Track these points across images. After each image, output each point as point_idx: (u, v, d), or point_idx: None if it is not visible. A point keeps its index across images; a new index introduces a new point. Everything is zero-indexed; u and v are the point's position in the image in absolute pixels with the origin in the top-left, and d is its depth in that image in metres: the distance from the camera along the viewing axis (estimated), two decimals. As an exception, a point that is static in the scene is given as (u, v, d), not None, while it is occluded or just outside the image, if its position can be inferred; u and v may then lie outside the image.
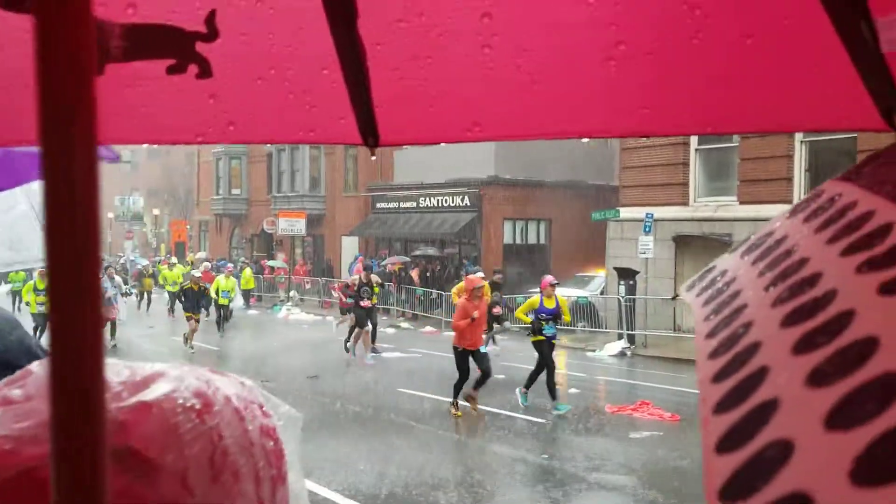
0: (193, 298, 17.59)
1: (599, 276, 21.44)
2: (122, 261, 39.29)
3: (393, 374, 13.32)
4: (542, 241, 27.68)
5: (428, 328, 21.37)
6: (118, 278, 17.68)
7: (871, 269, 0.33)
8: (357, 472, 8.09)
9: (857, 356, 0.28)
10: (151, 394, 0.61)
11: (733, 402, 0.32)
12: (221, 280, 20.50)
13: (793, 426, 0.28)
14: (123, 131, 1.22)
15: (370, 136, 1.28)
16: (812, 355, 0.30)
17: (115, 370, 0.63)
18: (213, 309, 20.07)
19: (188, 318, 17.65)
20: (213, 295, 19.15)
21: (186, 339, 17.39)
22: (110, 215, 57.34)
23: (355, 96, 1.22)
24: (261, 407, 0.69)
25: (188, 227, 44.78)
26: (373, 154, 1.31)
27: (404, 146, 1.37)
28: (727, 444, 0.30)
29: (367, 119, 1.26)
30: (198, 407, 0.62)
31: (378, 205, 30.41)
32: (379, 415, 10.62)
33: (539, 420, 10.35)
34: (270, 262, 31.75)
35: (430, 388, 12.46)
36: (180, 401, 0.62)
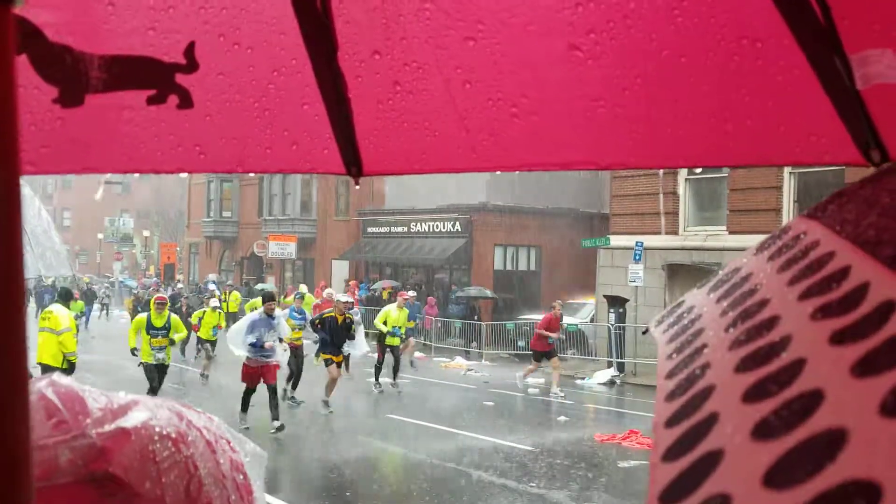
0: (338, 334, 12.82)
1: (589, 303, 21.46)
2: (111, 280, 39.08)
3: (383, 399, 13.22)
4: (533, 267, 27.72)
5: (418, 354, 21.29)
6: (279, 315, 11.97)
7: (825, 317, 0.32)
8: (344, 499, 8.00)
9: (802, 410, 0.28)
10: (129, 421, 0.61)
11: (682, 450, 0.31)
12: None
13: (733, 481, 0.28)
14: (103, 160, 1.22)
15: (353, 165, 1.28)
16: (761, 405, 0.30)
17: (93, 396, 0.63)
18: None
19: (328, 363, 12.79)
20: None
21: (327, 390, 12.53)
22: (100, 236, 57.17)
23: (338, 127, 1.22)
24: (229, 442, 0.70)
25: (178, 249, 44.64)
26: (357, 183, 1.31)
27: (392, 174, 1.37)
28: (670, 495, 0.30)
29: (351, 149, 1.26)
30: (174, 436, 0.63)
31: (369, 229, 30.43)
32: (366, 441, 10.52)
33: (527, 448, 10.28)
34: (260, 286, 31.65)
35: (421, 415, 12.38)
36: (157, 429, 0.62)
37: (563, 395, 13.99)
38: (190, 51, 1.07)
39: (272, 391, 10.91)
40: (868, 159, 1.22)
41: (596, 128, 1.25)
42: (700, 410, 0.33)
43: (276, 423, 10.61)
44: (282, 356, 11.81)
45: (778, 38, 1.09)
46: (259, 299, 26.00)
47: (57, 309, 10.05)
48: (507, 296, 25.21)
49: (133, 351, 12.30)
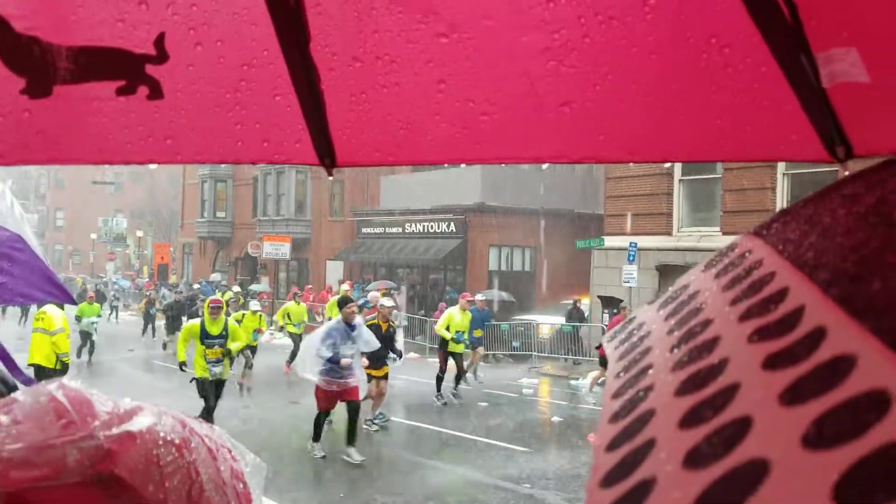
0: (383, 344, 10.48)
1: (584, 303, 21.48)
2: (104, 280, 38.93)
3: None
4: (528, 268, 27.73)
5: (412, 354, 21.26)
6: (360, 323, 9.76)
7: (760, 339, 0.32)
8: (337, 499, 7.99)
9: (731, 438, 0.27)
10: (135, 425, 0.63)
11: (619, 477, 0.31)
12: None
13: None
14: (72, 151, 1.22)
15: (327, 156, 1.28)
16: (694, 431, 0.29)
17: (100, 400, 0.65)
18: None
19: (371, 378, 10.80)
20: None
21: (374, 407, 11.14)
22: (93, 236, 57.01)
23: (310, 119, 1.22)
24: (230, 451, 0.71)
25: (171, 249, 44.54)
26: (330, 174, 1.31)
27: (366, 166, 1.37)
28: None
29: (324, 140, 1.26)
30: (177, 442, 0.64)
31: (364, 230, 30.41)
32: (360, 443, 10.50)
33: (520, 448, 10.28)
34: (253, 287, 31.58)
35: (414, 416, 12.37)
36: (162, 434, 0.64)
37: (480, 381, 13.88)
38: (160, 41, 1.06)
39: (354, 411, 9.32)
40: (833, 155, 1.23)
41: (567, 122, 1.26)
42: (639, 435, 0.32)
43: (354, 455, 9.18)
44: (361, 374, 9.84)
45: (746, 36, 1.10)
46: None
47: (51, 310, 10.03)
48: (501, 296, 25.23)
49: (182, 366, 10.54)
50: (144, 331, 25.04)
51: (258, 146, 1.26)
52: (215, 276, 32.97)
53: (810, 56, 1.07)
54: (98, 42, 1.04)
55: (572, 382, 17.32)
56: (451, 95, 1.21)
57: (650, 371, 0.37)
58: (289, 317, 18.88)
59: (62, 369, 9.90)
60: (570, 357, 20.05)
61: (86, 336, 17.67)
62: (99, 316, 18.05)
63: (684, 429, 0.30)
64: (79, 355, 16.62)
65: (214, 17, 1.10)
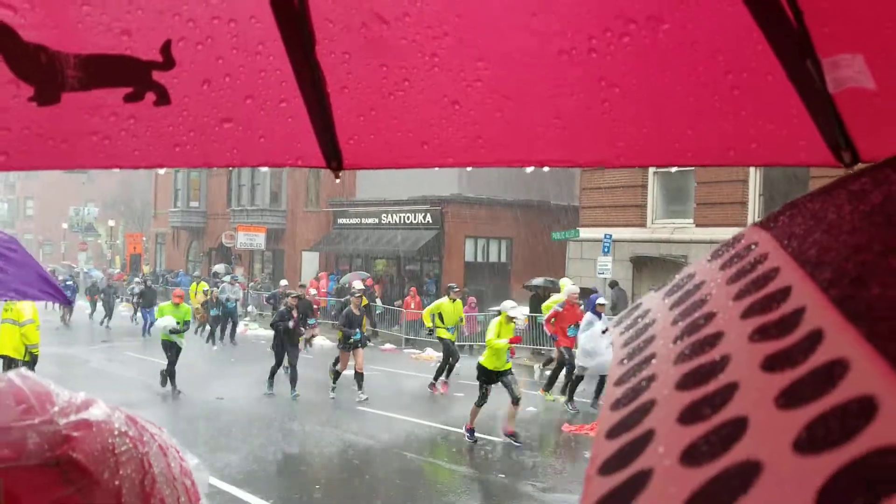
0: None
1: (558, 295, 21.58)
2: (75, 270, 38.31)
3: (352, 392, 13.18)
4: (504, 259, 27.81)
5: (388, 345, 21.26)
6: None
7: (761, 339, 0.32)
8: (312, 497, 7.98)
9: (727, 438, 0.28)
10: (91, 415, 0.64)
11: (617, 466, 0.31)
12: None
13: None
14: (81, 157, 1.21)
15: (334, 159, 1.29)
16: (693, 428, 0.30)
17: (56, 391, 0.66)
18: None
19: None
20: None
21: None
22: (64, 226, 56.10)
23: (317, 122, 1.22)
24: (177, 450, 0.73)
25: (144, 239, 43.97)
26: (337, 177, 1.32)
27: (373, 168, 1.38)
28: None
29: (331, 143, 1.26)
30: (131, 434, 0.66)
31: (339, 220, 30.27)
32: (337, 434, 10.50)
33: (495, 439, 10.34)
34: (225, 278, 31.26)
35: (391, 407, 12.38)
36: (116, 425, 0.65)
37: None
38: (166, 48, 1.06)
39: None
40: (840, 160, 1.25)
41: (574, 127, 1.27)
42: (639, 425, 0.32)
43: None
44: None
45: (752, 42, 1.12)
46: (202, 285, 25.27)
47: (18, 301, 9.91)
48: (477, 287, 25.28)
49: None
50: (212, 336, 21.33)
51: (265, 149, 1.26)
52: (219, 268, 31.88)
53: (816, 62, 1.09)
54: (105, 50, 1.04)
55: (546, 372, 17.43)
56: (460, 98, 1.22)
57: (653, 361, 0.38)
58: (441, 318, 14.50)
59: (32, 361, 9.81)
60: (546, 347, 20.15)
61: (170, 347, 13.38)
62: (186, 323, 13.79)
63: (683, 424, 0.30)
64: (164, 383, 13.46)
65: (220, 23, 1.09)
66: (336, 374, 13.36)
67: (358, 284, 14.86)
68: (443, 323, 14.46)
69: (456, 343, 15.15)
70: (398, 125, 1.26)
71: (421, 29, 1.14)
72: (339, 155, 1.27)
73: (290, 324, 13.53)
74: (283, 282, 22.74)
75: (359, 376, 13.01)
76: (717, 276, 0.43)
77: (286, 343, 13.61)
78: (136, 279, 29.64)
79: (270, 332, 23.42)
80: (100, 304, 27.19)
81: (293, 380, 13.16)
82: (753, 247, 0.43)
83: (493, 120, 1.25)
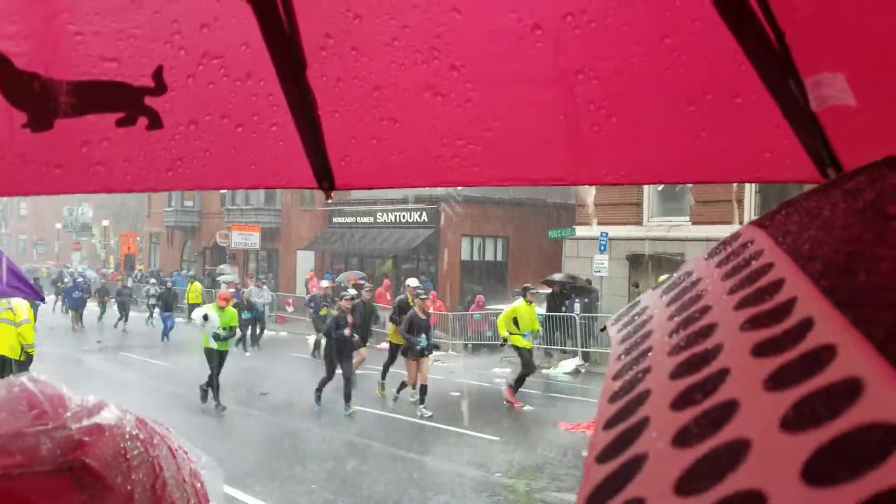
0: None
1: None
2: (69, 270, 38.16)
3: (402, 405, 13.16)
4: (500, 258, 27.84)
5: (383, 344, 21.26)
6: None
7: (752, 328, 0.33)
8: (310, 491, 7.99)
9: (718, 419, 0.29)
10: (103, 419, 0.64)
11: (614, 453, 0.32)
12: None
13: (649, 486, 0.29)
14: (76, 182, 1.22)
15: (325, 180, 1.29)
16: (685, 412, 0.31)
17: (69, 395, 0.66)
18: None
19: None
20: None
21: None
22: (58, 226, 55.96)
23: (308, 143, 1.23)
24: (186, 452, 0.73)
25: (138, 239, 43.90)
26: (329, 198, 1.33)
27: (365, 188, 1.39)
28: (596, 497, 0.31)
29: (322, 164, 1.27)
30: (142, 437, 0.66)
31: (335, 219, 30.26)
32: (331, 433, 10.51)
33: (492, 437, 10.37)
34: (221, 277, 31.18)
35: (387, 406, 12.40)
36: (128, 428, 0.65)
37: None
38: (158, 74, 1.07)
39: None
40: (825, 177, 1.26)
41: (562, 147, 1.28)
42: (635, 414, 0.34)
43: None
44: None
45: (734, 63, 1.13)
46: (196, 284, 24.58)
47: (16, 300, 9.96)
48: (473, 286, 25.31)
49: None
50: (243, 342, 19.48)
51: (257, 172, 1.27)
52: (224, 267, 30.81)
53: (799, 81, 1.10)
54: (98, 76, 1.05)
55: (543, 371, 17.48)
56: (448, 121, 1.23)
57: (649, 354, 0.39)
58: (516, 323, 13.08)
59: (27, 360, 9.88)
60: (542, 346, 20.17)
61: (214, 357, 12.03)
62: (233, 329, 12.40)
63: (676, 410, 0.31)
64: (204, 398, 12.10)
65: (211, 49, 1.10)
66: (401, 386, 12.29)
67: (414, 283, 13.42)
68: (518, 329, 12.81)
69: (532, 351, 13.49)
70: (390, 147, 1.27)
71: (410, 53, 1.15)
72: (330, 176, 1.28)
73: (345, 331, 11.95)
74: (324, 282, 20.81)
75: (422, 389, 11.82)
76: (713, 273, 0.44)
77: (341, 353, 11.97)
78: (152, 280, 28.74)
79: (271, 334, 23.44)
80: (108, 307, 26.55)
81: (347, 395, 11.70)
82: (749, 244, 0.44)
83: (482, 140, 1.27)
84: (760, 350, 0.31)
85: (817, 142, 1.21)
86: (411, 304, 12.55)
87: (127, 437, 0.64)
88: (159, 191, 1.24)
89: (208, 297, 27.99)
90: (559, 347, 18.63)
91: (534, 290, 13.76)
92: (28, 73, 1.01)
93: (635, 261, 19.32)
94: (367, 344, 13.22)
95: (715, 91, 1.20)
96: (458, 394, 13.45)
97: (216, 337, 12.00)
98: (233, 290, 18.35)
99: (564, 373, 17.31)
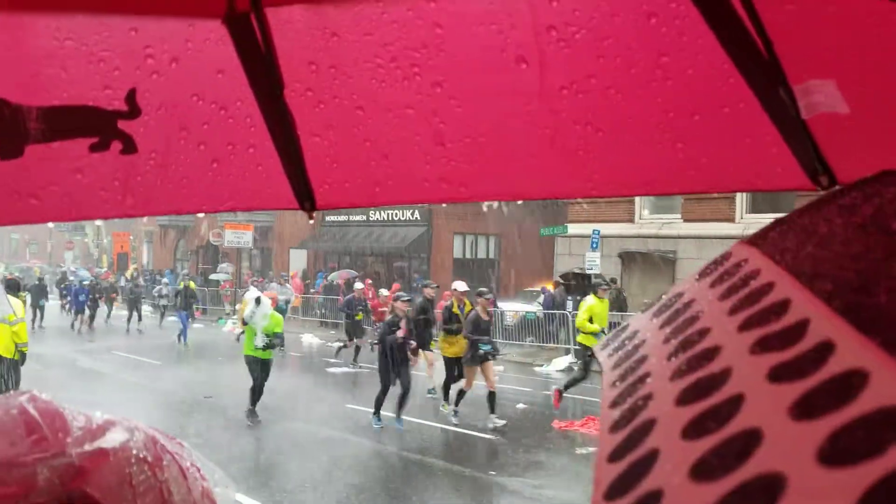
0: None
1: (547, 291, 21.66)
2: (62, 269, 37.98)
3: (341, 389, 13.18)
4: (492, 255, 27.85)
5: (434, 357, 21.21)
6: None
7: (763, 351, 0.32)
8: (304, 492, 7.98)
9: (740, 451, 0.27)
10: (108, 442, 0.61)
11: (623, 489, 0.31)
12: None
13: None
14: (49, 210, 1.20)
15: (307, 200, 1.28)
16: (699, 442, 0.29)
17: (72, 415, 0.62)
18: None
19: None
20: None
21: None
22: (50, 225, 55.70)
23: (288, 164, 1.21)
24: (199, 470, 0.70)
25: (131, 237, 43.75)
26: (311, 218, 1.31)
27: (346, 208, 1.37)
28: None
29: (303, 185, 1.26)
30: (150, 460, 0.63)
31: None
32: (326, 432, 10.48)
33: (485, 436, 10.36)
34: (215, 276, 31.05)
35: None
36: (135, 451, 0.62)
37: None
38: (131, 97, 1.05)
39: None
40: (817, 184, 1.26)
41: (549, 162, 1.27)
42: (641, 445, 0.32)
43: None
44: None
45: (723, 73, 1.12)
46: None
47: (14, 300, 10.12)
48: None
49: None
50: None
51: (236, 195, 1.25)
52: (224, 267, 29.48)
53: (789, 89, 1.09)
54: (68, 101, 1.02)
55: (536, 368, 17.50)
56: (432, 139, 1.22)
57: (648, 380, 0.37)
58: (591, 320, 12.36)
59: (21, 359, 9.95)
60: (535, 343, 20.20)
61: (256, 366, 10.73)
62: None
63: (688, 440, 0.30)
64: (251, 416, 10.83)
65: (185, 70, 1.08)
66: (460, 394, 11.06)
67: (461, 286, 12.00)
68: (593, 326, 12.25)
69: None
70: (372, 165, 1.25)
71: (390, 71, 1.13)
72: (311, 196, 1.26)
73: (399, 335, 10.65)
74: (359, 284, 19.01)
75: (491, 396, 10.71)
76: (707, 294, 0.42)
77: (396, 360, 10.66)
78: (164, 279, 27.79)
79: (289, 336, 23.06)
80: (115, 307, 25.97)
81: (400, 406, 10.58)
82: (743, 263, 0.42)
83: (467, 157, 1.25)
84: (778, 375, 0.30)
85: (808, 150, 1.20)
86: (456, 308, 11.64)
87: (133, 461, 0.61)
88: (136, 216, 1.21)
89: (201, 295, 27.92)
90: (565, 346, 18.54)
91: (605, 287, 13.10)
92: None
93: (627, 258, 19.35)
94: (428, 349, 11.90)
95: (703, 101, 1.19)
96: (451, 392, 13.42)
97: (267, 345, 10.48)
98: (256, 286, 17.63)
99: (557, 370, 17.33)
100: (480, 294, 11.32)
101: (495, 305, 16.97)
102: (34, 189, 1.12)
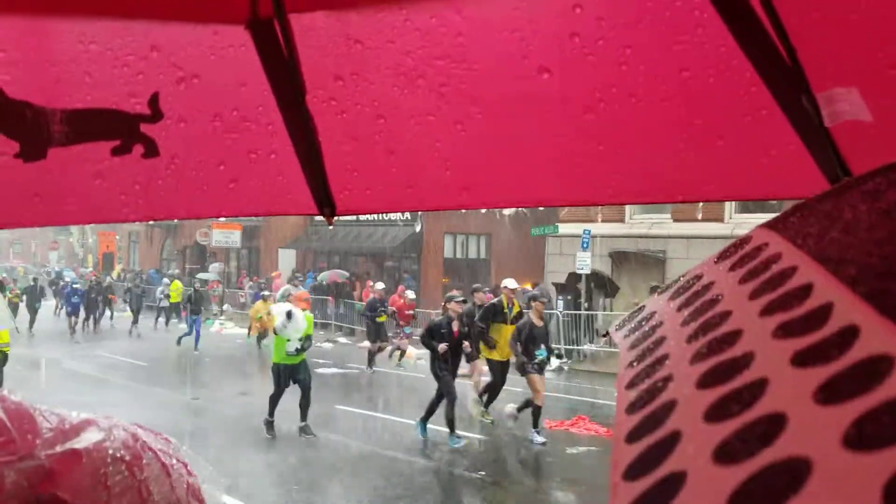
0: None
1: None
2: (46, 270, 37.64)
3: (330, 390, 13.14)
4: (483, 255, 27.86)
5: (366, 343, 21.21)
6: None
7: (786, 336, 0.32)
8: (292, 495, 7.95)
9: (764, 434, 0.27)
10: (81, 442, 0.60)
11: (643, 469, 0.30)
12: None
13: None
14: (71, 213, 1.19)
15: (326, 206, 1.27)
16: (723, 425, 0.29)
17: (44, 416, 0.61)
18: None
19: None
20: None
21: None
22: (35, 224, 55.13)
23: (308, 170, 1.21)
24: (186, 466, 0.68)
25: (117, 237, 43.45)
26: (330, 224, 1.31)
27: (366, 213, 1.37)
28: None
29: (323, 190, 1.25)
30: (127, 459, 0.61)
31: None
32: (316, 435, 10.44)
33: (477, 436, 10.36)
34: (202, 275, 30.84)
35: (370, 405, 12.36)
36: (111, 451, 0.60)
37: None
38: (154, 101, 1.05)
39: None
40: None
41: (571, 166, 1.27)
42: (662, 427, 0.32)
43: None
44: None
45: (745, 80, 1.12)
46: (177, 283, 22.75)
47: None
48: (456, 284, 25.31)
49: None
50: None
51: (256, 199, 1.24)
52: (214, 267, 28.61)
53: (812, 97, 1.09)
54: (92, 104, 1.02)
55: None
56: (451, 146, 1.21)
57: (667, 361, 0.37)
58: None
59: (2, 359, 9.97)
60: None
61: (284, 374, 10.03)
62: (309, 338, 10.17)
63: (711, 422, 0.30)
64: (270, 429, 10.07)
65: (208, 75, 1.08)
66: (525, 404, 10.24)
67: (511, 283, 11.31)
68: None
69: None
70: (393, 172, 1.25)
71: (412, 79, 1.13)
72: (331, 201, 1.26)
73: (441, 345, 9.77)
74: (380, 285, 18.03)
75: (536, 410, 9.85)
76: (727, 277, 0.42)
77: (448, 366, 9.82)
78: (165, 280, 27.16)
79: (245, 332, 22.80)
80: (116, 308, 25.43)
81: (451, 420, 9.62)
82: (764, 247, 0.42)
83: (488, 165, 1.25)
84: (802, 360, 0.29)
85: (831, 158, 1.21)
86: (506, 307, 10.93)
87: (108, 460, 0.60)
88: (157, 220, 1.21)
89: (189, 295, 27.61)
90: (576, 347, 18.43)
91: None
92: (20, 101, 0.98)
93: (618, 258, 19.41)
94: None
95: (725, 109, 1.19)
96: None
97: (300, 350, 9.83)
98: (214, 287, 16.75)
99: (548, 370, 17.32)
100: (534, 298, 10.35)
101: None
102: (56, 191, 1.12)
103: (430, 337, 9.82)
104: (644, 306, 0.48)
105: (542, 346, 9.93)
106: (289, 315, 9.65)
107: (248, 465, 8.73)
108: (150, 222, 37.90)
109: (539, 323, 10.03)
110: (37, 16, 0.96)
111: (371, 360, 16.06)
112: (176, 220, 36.91)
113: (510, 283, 11.64)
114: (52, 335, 21.92)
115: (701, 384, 0.32)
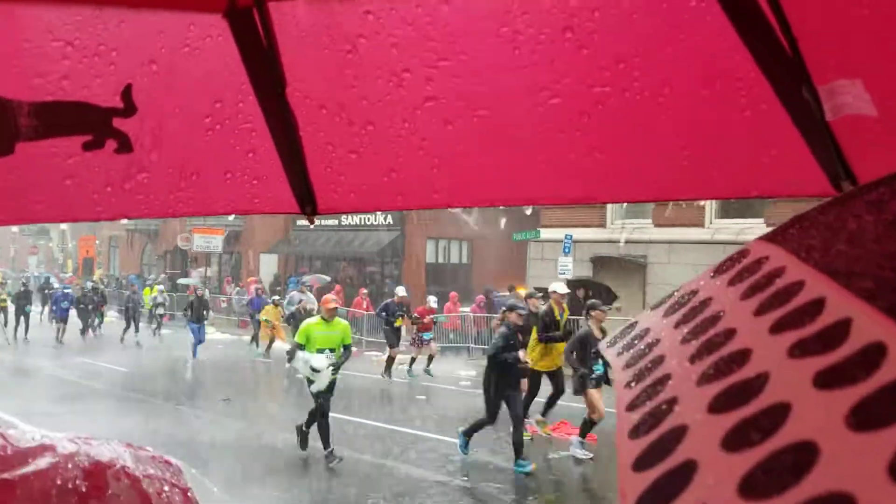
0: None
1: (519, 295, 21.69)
2: (26, 275, 37.16)
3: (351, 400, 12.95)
4: (465, 260, 27.86)
5: (353, 349, 21.06)
6: None
7: (804, 355, 0.30)
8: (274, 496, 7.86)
9: (794, 467, 0.25)
10: (21, 471, 0.55)
11: (656, 500, 0.29)
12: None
13: None
14: (40, 211, 1.14)
15: (308, 204, 1.23)
16: (745, 455, 0.27)
17: (4, 438, 0.56)
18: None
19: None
20: None
21: None
22: (14, 229, 54.51)
23: (289, 167, 1.17)
24: (186, 491, 0.63)
25: (97, 242, 42.99)
26: (311, 222, 1.27)
27: (347, 212, 1.33)
28: None
29: (304, 188, 1.21)
30: (83, 489, 0.56)
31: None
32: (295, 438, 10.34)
33: (457, 441, 10.31)
34: (183, 280, 30.51)
35: (351, 411, 12.26)
36: (58, 481, 0.56)
37: None
38: (127, 93, 1.00)
39: None
40: (839, 191, 1.23)
41: (564, 164, 1.24)
42: (673, 455, 0.30)
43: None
44: None
45: (745, 73, 1.09)
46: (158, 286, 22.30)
47: None
48: (438, 289, 25.27)
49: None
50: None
51: (234, 197, 1.20)
52: (200, 271, 28.62)
53: (813, 90, 1.07)
54: (62, 96, 0.97)
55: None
56: (437, 143, 1.18)
57: (669, 382, 0.35)
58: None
59: None
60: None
61: (319, 397, 9.04)
62: (346, 348, 9.41)
63: (730, 452, 0.28)
64: (304, 443, 9.42)
65: (184, 68, 1.03)
66: (590, 424, 9.15)
67: (560, 287, 10.44)
68: None
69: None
70: (373, 168, 1.21)
71: (398, 72, 1.09)
72: (313, 199, 1.22)
73: (520, 353, 8.77)
74: (400, 289, 17.04)
75: (591, 424, 9.03)
76: (726, 293, 0.41)
77: (505, 382, 8.69)
78: (160, 287, 26.24)
79: (226, 336, 22.54)
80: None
81: (518, 444, 8.56)
82: (764, 261, 0.40)
83: (474, 161, 1.22)
84: (826, 381, 0.28)
85: (831, 154, 1.18)
86: (557, 314, 10.12)
87: (54, 492, 0.55)
88: (131, 218, 1.16)
89: (170, 300, 27.31)
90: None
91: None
92: None
93: (599, 263, 19.48)
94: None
95: (725, 103, 1.16)
96: (424, 397, 13.37)
97: (333, 367, 8.87)
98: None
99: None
100: (594, 307, 9.41)
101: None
102: (24, 188, 1.07)
103: (503, 349, 8.66)
104: (636, 322, 0.46)
105: (600, 360, 8.87)
106: (314, 370, 8.82)
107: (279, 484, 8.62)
108: (131, 227, 37.60)
109: (599, 335, 8.98)
110: (1, 2, 0.92)
111: (388, 369, 15.41)
112: (156, 225, 36.78)
113: (559, 287, 10.65)
114: (45, 343, 21.49)
115: (713, 409, 0.31)
